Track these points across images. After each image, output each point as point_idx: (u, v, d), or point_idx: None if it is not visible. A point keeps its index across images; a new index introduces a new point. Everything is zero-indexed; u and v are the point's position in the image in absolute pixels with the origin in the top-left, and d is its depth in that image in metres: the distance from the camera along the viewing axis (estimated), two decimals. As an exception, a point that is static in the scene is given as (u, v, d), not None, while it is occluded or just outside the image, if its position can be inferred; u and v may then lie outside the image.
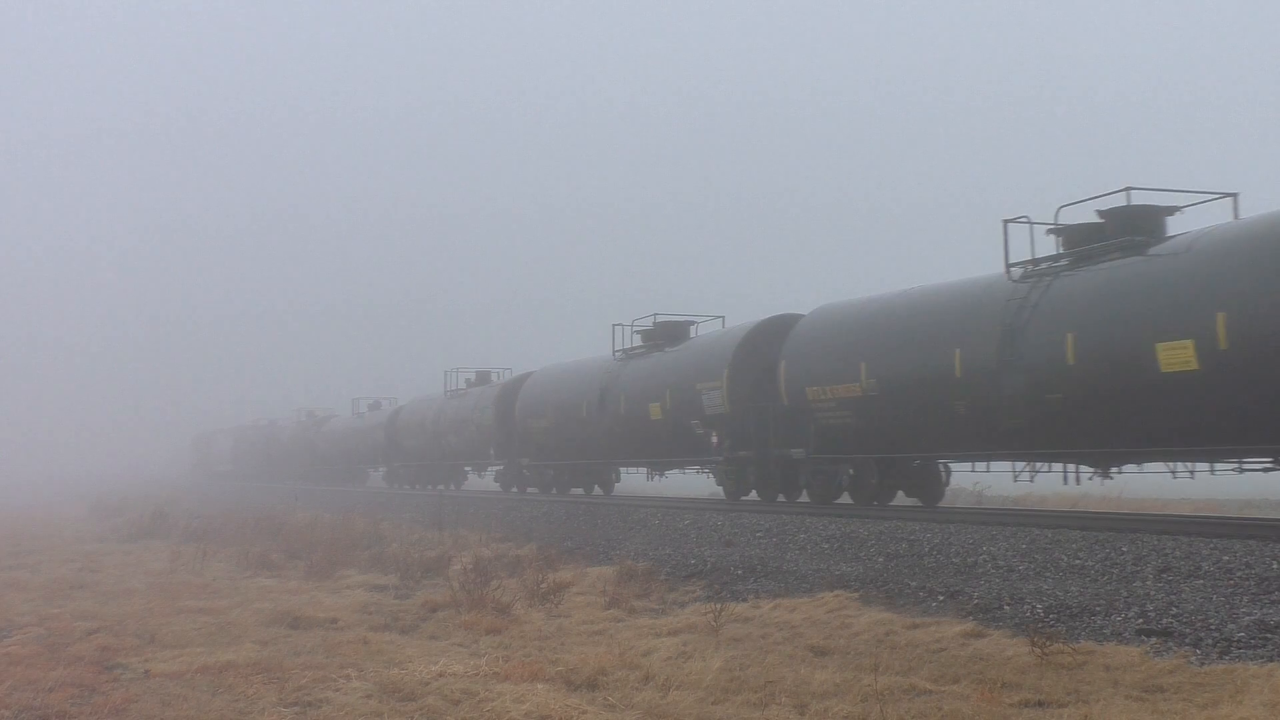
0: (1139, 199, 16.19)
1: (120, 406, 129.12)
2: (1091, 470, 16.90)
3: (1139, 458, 16.18)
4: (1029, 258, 17.35)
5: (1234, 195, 15.91)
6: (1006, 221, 17.52)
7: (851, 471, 20.62)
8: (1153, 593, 10.06)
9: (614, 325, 29.23)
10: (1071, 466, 17.21)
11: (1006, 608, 10.16)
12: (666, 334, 27.75)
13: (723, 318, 27.77)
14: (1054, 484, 21.92)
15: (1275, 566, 10.39)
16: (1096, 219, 16.67)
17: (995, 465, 18.52)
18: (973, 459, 18.95)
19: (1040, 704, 7.24)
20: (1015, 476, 18.10)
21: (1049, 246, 17.34)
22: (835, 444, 20.76)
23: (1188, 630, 8.72)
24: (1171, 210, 16.25)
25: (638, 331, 28.58)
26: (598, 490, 32.33)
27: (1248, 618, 8.76)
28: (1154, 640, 8.61)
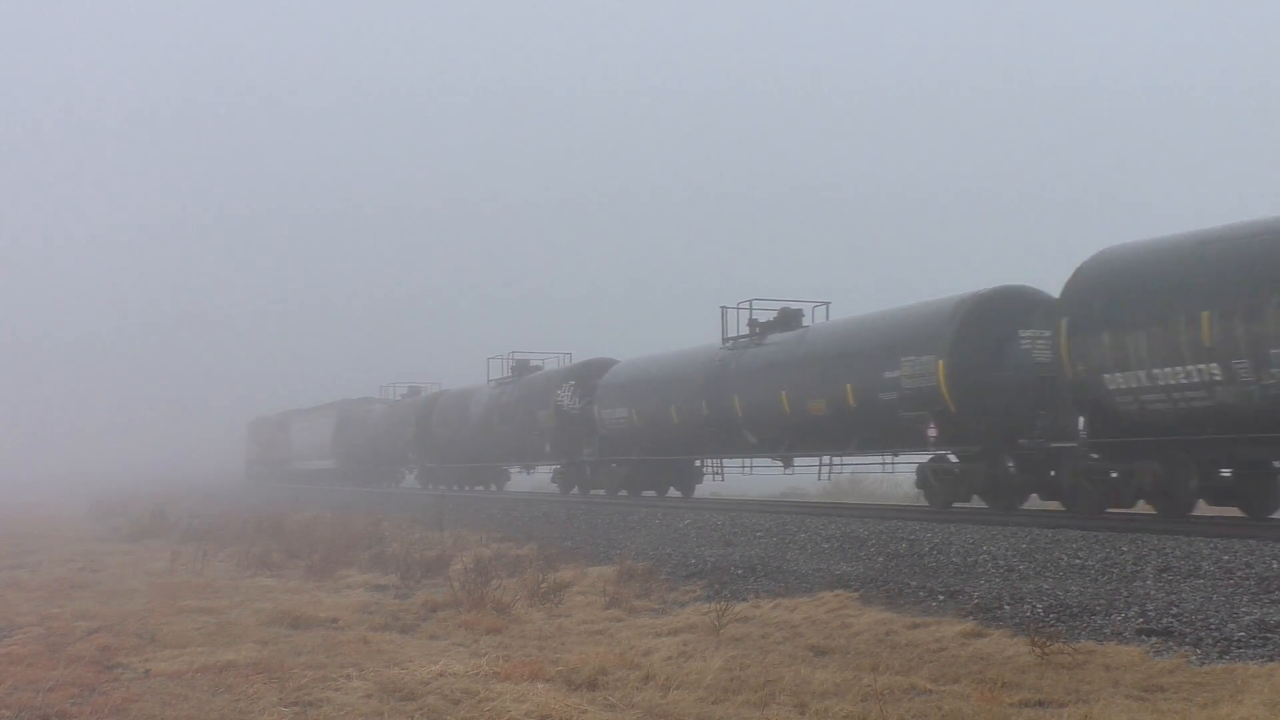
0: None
1: (143, 397, 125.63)
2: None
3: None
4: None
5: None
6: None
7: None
8: (1153, 592, 10.07)
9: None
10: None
11: (1006, 607, 10.16)
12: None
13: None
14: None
15: (1275, 566, 10.39)
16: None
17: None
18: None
19: (1040, 704, 7.24)
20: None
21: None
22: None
23: (1188, 630, 8.72)
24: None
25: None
26: None
27: (1248, 617, 8.76)
28: (1154, 640, 8.62)
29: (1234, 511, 16.06)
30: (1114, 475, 16.15)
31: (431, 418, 42.31)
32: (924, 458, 20.46)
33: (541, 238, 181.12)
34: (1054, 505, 19.28)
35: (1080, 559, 11.81)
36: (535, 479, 40.73)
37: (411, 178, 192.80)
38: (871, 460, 22.79)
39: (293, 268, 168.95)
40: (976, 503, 20.22)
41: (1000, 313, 18.83)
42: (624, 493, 29.87)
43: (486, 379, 39.09)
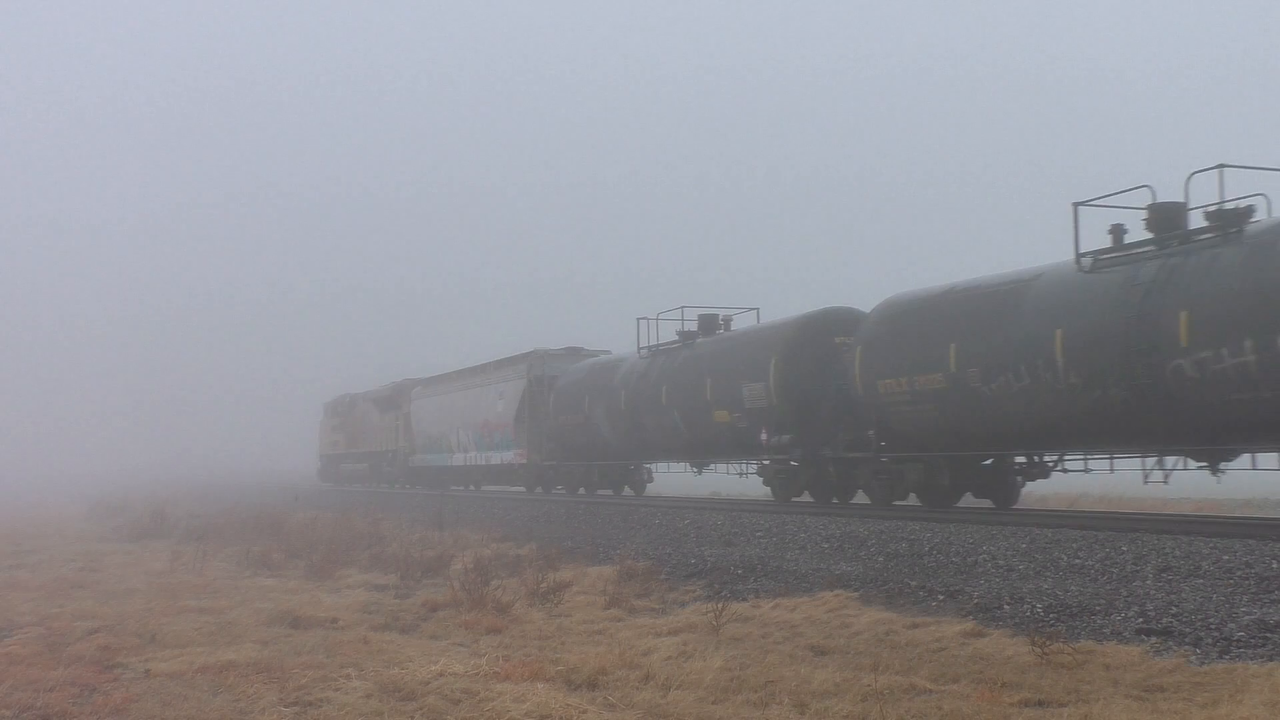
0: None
1: (175, 388, 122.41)
2: None
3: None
4: None
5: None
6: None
7: None
8: (1153, 592, 10.07)
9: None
10: None
11: (1006, 607, 10.16)
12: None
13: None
14: (1054, 484, 21.99)
15: (1275, 566, 10.40)
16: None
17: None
18: None
19: (1040, 703, 7.24)
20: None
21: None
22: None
23: (1188, 630, 8.72)
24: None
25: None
26: None
27: (1248, 617, 8.77)
28: (1154, 640, 8.62)
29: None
30: None
31: (875, 348, 20.08)
32: None
33: (571, 223, 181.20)
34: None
35: (1080, 559, 11.81)
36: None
37: (442, 165, 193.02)
38: None
39: (310, 254, 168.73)
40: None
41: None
42: None
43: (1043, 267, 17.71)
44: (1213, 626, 8.67)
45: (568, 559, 16.02)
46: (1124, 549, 11.91)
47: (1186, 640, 8.51)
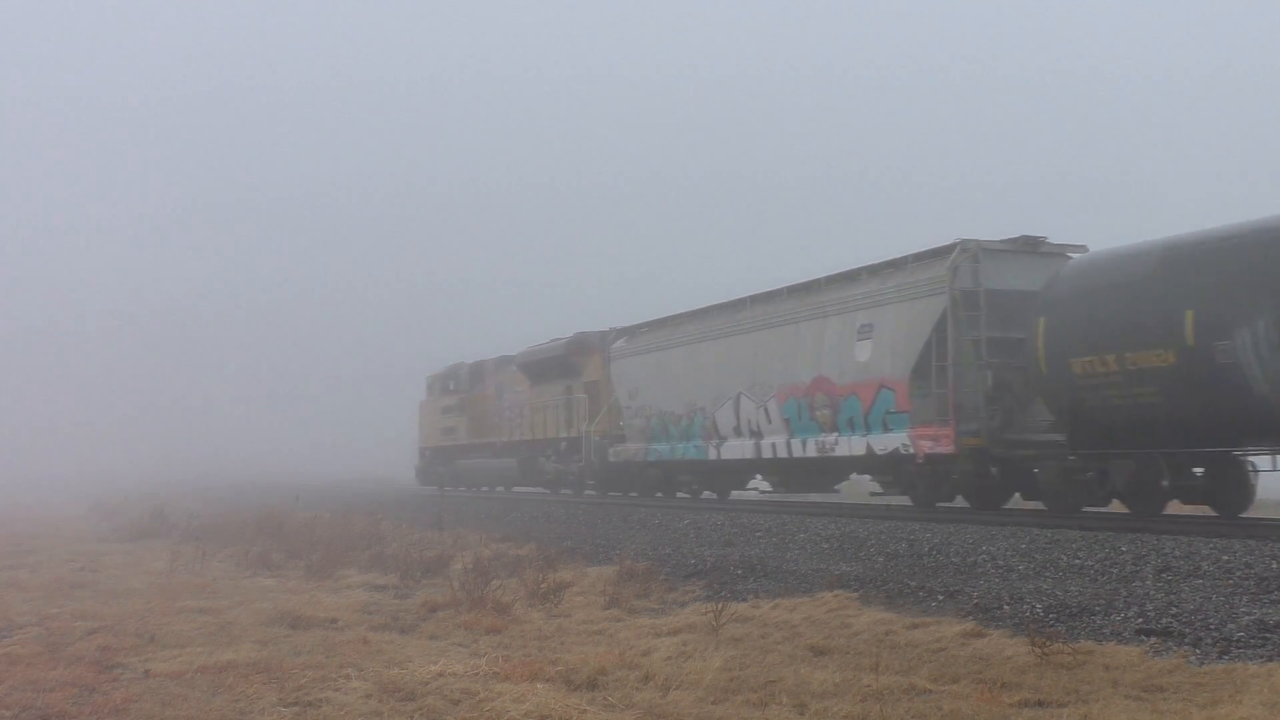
0: None
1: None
2: None
3: None
4: None
5: None
6: None
7: None
8: (1152, 592, 10.07)
9: None
10: None
11: (1006, 607, 10.17)
12: None
13: None
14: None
15: (1275, 566, 10.40)
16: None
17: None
18: None
19: (1040, 704, 7.24)
20: None
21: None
22: None
23: (1187, 630, 8.72)
24: None
25: None
26: None
27: (1247, 617, 8.77)
28: (1153, 640, 8.62)
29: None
30: None
31: None
32: None
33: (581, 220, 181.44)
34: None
35: (1080, 559, 11.81)
36: None
37: (442, 162, 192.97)
38: None
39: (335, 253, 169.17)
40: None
41: None
42: None
43: None
44: (1212, 627, 8.68)
45: (567, 559, 16.03)
46: (1124, 549, 11.91)
47: (1186, 640, 8.51)
